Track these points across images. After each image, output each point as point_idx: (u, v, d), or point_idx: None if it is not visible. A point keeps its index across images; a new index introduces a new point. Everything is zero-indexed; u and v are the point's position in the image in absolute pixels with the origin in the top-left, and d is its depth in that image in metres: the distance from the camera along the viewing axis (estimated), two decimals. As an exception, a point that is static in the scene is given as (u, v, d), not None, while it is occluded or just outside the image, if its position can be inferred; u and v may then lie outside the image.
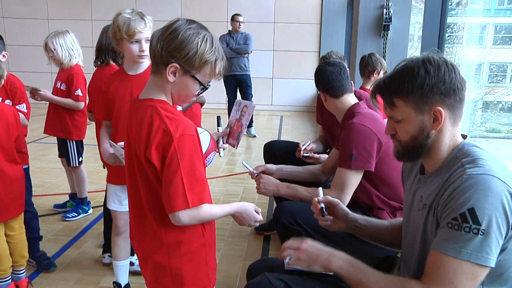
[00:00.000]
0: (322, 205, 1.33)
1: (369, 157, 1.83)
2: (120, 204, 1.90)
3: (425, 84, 1.05)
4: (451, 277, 0.98)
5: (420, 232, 1.14)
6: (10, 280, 2.03)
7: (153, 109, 1.12)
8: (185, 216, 1.08)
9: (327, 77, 1.98)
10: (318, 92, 2.15)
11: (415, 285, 1.03)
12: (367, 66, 3.13)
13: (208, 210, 1.13)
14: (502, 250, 1.01)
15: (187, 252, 1.17)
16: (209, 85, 1.18)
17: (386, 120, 1.18)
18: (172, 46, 1.09)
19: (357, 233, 1.38)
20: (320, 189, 1.40)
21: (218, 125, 1.65)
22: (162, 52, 1.09)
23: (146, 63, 1.80)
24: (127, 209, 1.74)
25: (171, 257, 1.16)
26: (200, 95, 2.12)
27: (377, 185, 1.90)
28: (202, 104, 2.85)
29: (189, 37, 1.09)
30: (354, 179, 1.85)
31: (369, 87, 3.16)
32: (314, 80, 2.06)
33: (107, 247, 2.33)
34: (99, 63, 2.35)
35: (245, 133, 2.66)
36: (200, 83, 1.14)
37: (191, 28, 1.10)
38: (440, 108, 1.06)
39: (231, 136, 1.63)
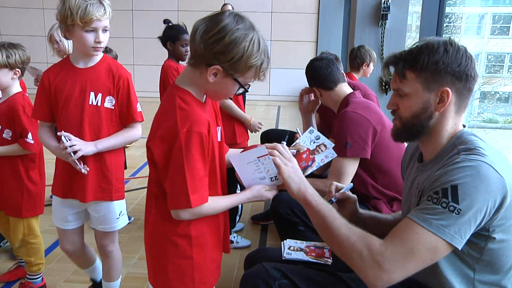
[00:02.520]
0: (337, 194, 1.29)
1: (364, 144, 1.83)
2: (64, 220, 1.67)
3: (441, 61, 1.05)
4: (412, 244, 0.98)
5: None
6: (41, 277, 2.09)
7: (172, 97, 1.08)
8: (185, 214, 1.08)
9: (317, 71, 2.00)
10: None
11: (376, 241, 1.02)
12: (356, 58, 3.16)
13: (210, 206, 1.12)
14: (489, 239, 1.01)
15: (172, 249, 1.15)
16: (247, 90, 1.14)
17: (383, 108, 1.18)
18: (216, 49, 1.02)
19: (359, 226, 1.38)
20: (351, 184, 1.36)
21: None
22: (205, 51, 1.03)
23: (100, 55, 1.58)
24: (73, 226, 1.69)
25: (161, 249, 1.16)
26: None
27: (373, 173, 1.91)
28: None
29: (236, 39, 1.02)
30: (350, 167, 1.85)
31: (357, 78, 3.20)
32: (307, 80, 2.08)
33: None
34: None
35: None
36: (241, 85, 1.10)
37: (239, 30, 1.02)
38: (449, 89, 1.06)
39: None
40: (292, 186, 1.14)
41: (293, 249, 1.44)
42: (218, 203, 1.16)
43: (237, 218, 2.68)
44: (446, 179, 0.99)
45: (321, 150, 1.33)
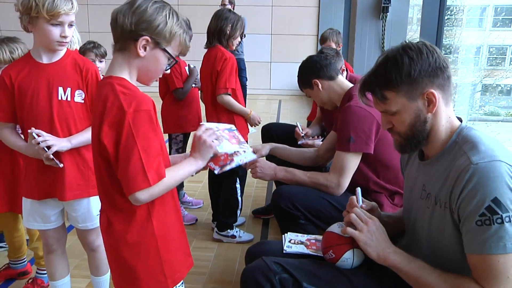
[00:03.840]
0: (361, 206, 1.27)
1: (368, 139, 1.82)
2: (45, 221, 1.62)
3: (412, 71, 1.06)
4: (506, 273, 0.97)
5: (425, 222, 1.14)
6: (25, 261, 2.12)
7: (109, 86, 1.08)
8: (144, 195, 1.05)
9: (316, 63, 1.99)
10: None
11: (474, 284, 1.01)
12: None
13: (168, 180, 1.09)
14: None
15: (135, 243, 1.12)
16: (177, 60, 1.16)
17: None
18: (142, 19, 1.07)
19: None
20: (359, 190, 1.32)
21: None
22: (131, 26, 1.07)
23: (63, 50, 1.53)
24: (56, 225, 1.65)
25: (121, 246, 1.13)
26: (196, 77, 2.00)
27: (375, 168, 1.90)
28: (199, 88, 2.84)
29: (157, 8, 1.08)
30: (353, 162, 1.84)
31: None
32: (303, 78, 2.04)
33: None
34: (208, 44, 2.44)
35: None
36: (170, 56, 1.12)
37: (156, 2, 1.10)
38: (432, 90, 1.07)
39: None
40: (371, 254, 1.15)
41: (293, 242, 1.43)
42: (175, 174, 1.13)
43: (238, 212, 2.68)
44: (480, 198, 0.98)
45: (242, 152, 1.32)
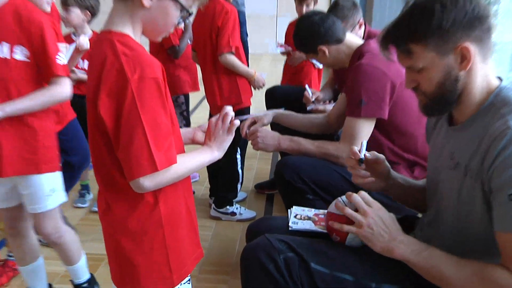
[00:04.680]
0: (364, 155, 1.27)
1: (381, 102, 1.79)
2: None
3: (443, 21, 1.01)
4: None
5: (453, 196, 1.12)
6: None
7: (108, 43, 0.98)
8: (148, 182, 0.99)
9: (319, 26, 1.93)
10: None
11: (500, 270, 0.99)
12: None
13: (179, 169, 1.04)
14: None
15: (137, 231, 1.07)
16: (191, 12, 1.07)
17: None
18: None
19: (389, 193, 1.37)
20: (364, 142, 1.33)
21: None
22: None
23: None
24: (9, 205, 1.60)
25: (120, 235, 1.08)
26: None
27: (390, 134, 1.88)
28: (192, 46, 2.82)
29: None
30: (365, 129, 1.82)
31: None
32: (305, 44, 1.99)
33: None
34: None
35: None
36: (182, 7, 1.03)
37: None
38: (467, 44, 1.02)
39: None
40: (375, 249, 1.14)
41: (300, 217, 1.45)
42: (188, 163, 1.07)
43: (239, 186, 2.71)
44: None
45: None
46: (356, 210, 1.15)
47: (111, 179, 1.06)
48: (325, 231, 1.35)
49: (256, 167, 3.43)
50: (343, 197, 1.23)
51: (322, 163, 1.88)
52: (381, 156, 1.31)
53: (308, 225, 1.40)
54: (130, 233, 1.07)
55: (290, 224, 1.41)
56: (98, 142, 1.04)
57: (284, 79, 3.25)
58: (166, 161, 0.99)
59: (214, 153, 1.15)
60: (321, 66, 3.18)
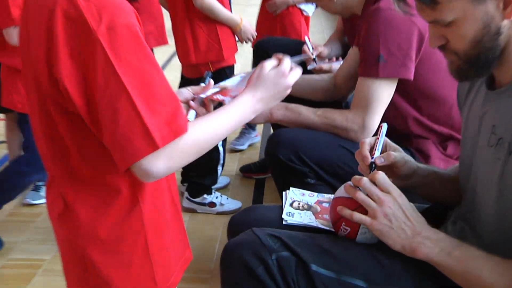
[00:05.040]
0: (375, 160, 1.26)
1: (405, 58, 1.79)
2: None
3: None
4: None
5: (493, 180, 1.12)
6: None
7: None
8: (158, 162, 0.94)
9: None
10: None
11: None
12: None
13: (196, 137, 1.01)
14: None
15: (110, 241, 1.06)
16: None
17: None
18: None
19: (410, 191, 1.37)
20: (384, 125, 1.32)
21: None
22: None
23: None
24: None
25: (87, 244, 1.06)
26: None
27: (416, 101, 1.89)
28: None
29: None
30: (384, 92, 1.82)
31: None
32: None
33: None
34: None
35: None
36: None
37: None
38: None
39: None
40: (393, 246, 1.15)
41: (297, 206, 1.46)
42: (212, 124, 1.06)
43: (219, 169, 2.70)
44: None
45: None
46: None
47: (73, 170, 1.03)
48: (328, 228, 1.36)
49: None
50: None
51: (327, 137, 1.88)
52: (401, 158, 1.30)
53: (306, 219, 1.41)
54: (101, 242, 1.06)
55: (283, 215, 1.41)
56: (46, 120, 1.01)
57: (260, 29, 3.20)
58: (169, 132, 0.94)
59: (254, 104, 1.13)
60: (310, 13, 3.18)
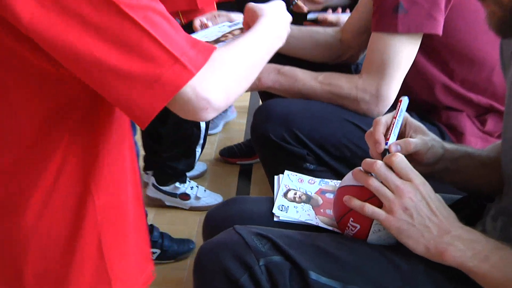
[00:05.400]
0: (389, 146, 1.25)
1: (432, 7, 1.78)
2: None
3: None
4: None
5: None
6: None
7: None
8: (209, 87, 1.02)
9: None
10: None
11: None
12: None
13: (235, 54, 1.13)
14: None
15: (48, 241, 1.09)
16: None
17: None
18: None
19: (435, 179, 1.37)
20: (405, 99, 1.32)
21: None
22: None
23: None
24: None
25: (21, 248, 1.10)
26: None
27: (447, 63, 1.89)
28: None
29: None
30: (404, 53, 1.82)
31: None
32: None
33: None
34: None
35: None
36: None
37: None
38: None
39: None
40: (415, 248, 1.15)
41: (293, 197, 1.46)
42: (242, 42, 1.17)
43: (198, 151, 2.71)
44: None
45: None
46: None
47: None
48: (331, 227, 1.36)
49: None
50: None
51: (330, 110, 1.89)
52: (423, 144, 1.29)
53: (304, 214, 1.41)
54: (40, 242, 1.09)
55: (274, 210, 1.41)
56: None
57: None
58: (199, 55, 1.02)
59: (270, 19, 1.27)
60: None
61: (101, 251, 1.12)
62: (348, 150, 1.85)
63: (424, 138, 1.31)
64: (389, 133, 1.25)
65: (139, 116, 1.00)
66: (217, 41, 1.46)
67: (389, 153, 1.24)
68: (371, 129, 1.29)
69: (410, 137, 1.30)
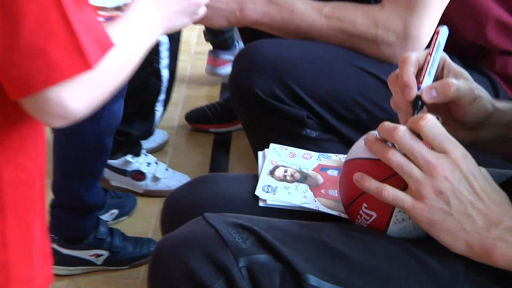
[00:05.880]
0: (426, 91, 1.24)
1: None
2: None
3: None
4: None
5: None
6: None
7: None
8: (72, 91, 1.08)
9: None
10: None
11: None
12: None
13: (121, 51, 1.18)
14: None
15: None
16: None
17: None
18: None
19: (480, 148, 1.40)
20: (443, 29, 1.31)
21: None
22: None
23: None
24: None
25: None
26: None
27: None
28: None
29: None
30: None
31: None
32: None
33: None
34: None
35: None
36: None
37: None
38: None
39: None
40: (452, 245, 1.16)
41: (282, 175, 1.47)
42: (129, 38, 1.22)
43: (158, 109, 2.72)
44: None
45: None
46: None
47: None
48: (336, 212, 1.38)
49: (189, 72, 3.48)
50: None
51: (340, 55, 1.91)
52: (468, 89, 1.29)
53: (298, 196, 1.42)
54: None
55: (257, 191, 1.42)
56: None
57: None
58: (98, 47, 1.09)
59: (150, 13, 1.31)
60: None
61: (4, 229, 1.19)
62: (364, 111, 1.87)
63: (470, 84, 1.31)
64: (422, 75, 1.25)
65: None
66: (118, 9, 1.49)
67: (421, 102, 1.24)
68: (397, 70, 1.28)
69: None
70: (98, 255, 2.35)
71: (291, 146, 1.61)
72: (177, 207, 1.51)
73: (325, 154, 1.54)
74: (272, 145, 1.56)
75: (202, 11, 1.47)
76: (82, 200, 2.38)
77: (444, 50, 1.30)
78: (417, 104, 1.24)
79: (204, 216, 1.28)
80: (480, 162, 1.19)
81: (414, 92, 1.24)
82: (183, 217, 1.35)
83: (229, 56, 3.35)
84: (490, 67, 1.97)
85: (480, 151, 1.35)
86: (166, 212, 1.56)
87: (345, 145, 1.87)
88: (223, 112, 3.05)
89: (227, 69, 3.32)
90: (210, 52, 3.43)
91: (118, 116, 2.44)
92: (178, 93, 3.25)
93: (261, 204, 1.42)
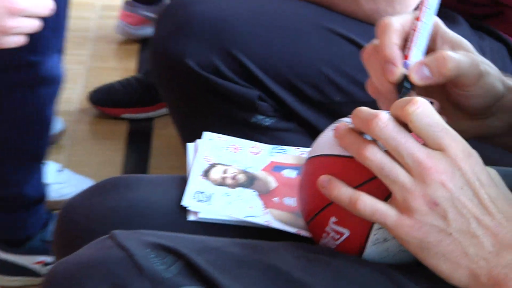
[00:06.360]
0: (415, 69, 1.26)
1: None
2: None
3: None
4: None
5: None
6: None
7: None
8: None
9: None
10: None
11: None
12: None
13: None
14: None
15: None
16: None
17: None
18: None
19: (487, 141, 1.45)
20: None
21: None
22: None
23: None
24: None
25: None
26: None
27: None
28: None
29: None
30: None
31: None
32: None
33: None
34: None
35: None
36: None
37: None
38: None
39: None
40: (449, 274, 1.17)
41: (220, 178, 1.48)
42: None
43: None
44: None
45: None
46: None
47: None
48: (293, 230, 1.41)
49: (93, 34, 3.54)
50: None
51: (304, 12, 1.96)
52: (470, 63, 1.31)
53: (243, 207, 1.44)
54: None
55: (185, 200, 1.43)
56: None
57: None
58: None
59: None
60: None
61: None
62: (338, 90, 1.92)
63: (472, 56, 1.32)
64: (409, 47, 1.26)
65: None
66: None
67: (410, 84, 1.26)
68: (374, 40, 1.29)
69: None
70: (46, 264, 2.37)
71: (230, 136, 1.61)
72: (76, 222, 1.53)
73: (279, 147, 1.55)
74: (206, 134, 1.56)
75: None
76: (20, 191, 2.39)
77: (447, 7, 1.32)
78: (403, 87, 1.26)
79: (113, 234, 1.30)
80: (487, 161, 1.19)
81: (399, 70, 1.26)
82: (84, 235, 1.38)
83: (150, 13, 3.37)
84: (507, 29, 2.01)
85: (488, 142, 1.40)
86: (61, 228, 1.57)
87: (310, 137, 1.88)
88: (141, 91, 3.09)
89: (147, 30, 3.34)
90: (126, 3, 3.44)
91: (57, 76, 2.47)
92: (78, 63, 3.27)
93: (190, 218, 1.44)
